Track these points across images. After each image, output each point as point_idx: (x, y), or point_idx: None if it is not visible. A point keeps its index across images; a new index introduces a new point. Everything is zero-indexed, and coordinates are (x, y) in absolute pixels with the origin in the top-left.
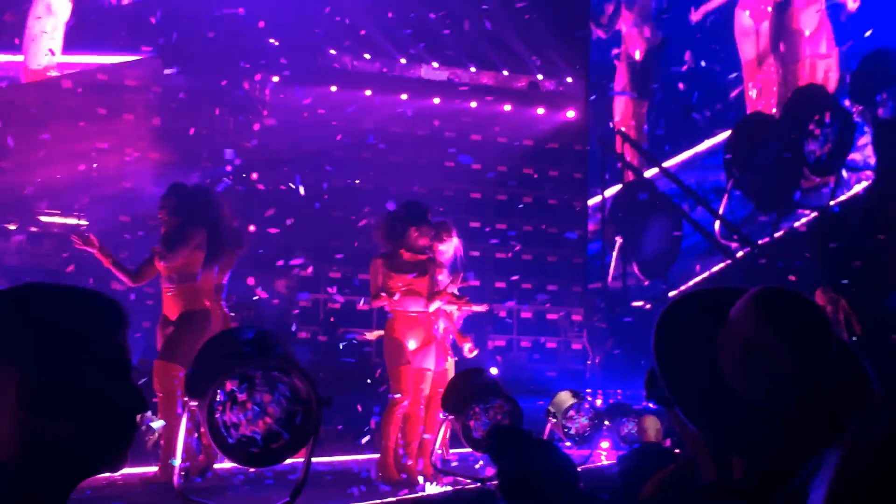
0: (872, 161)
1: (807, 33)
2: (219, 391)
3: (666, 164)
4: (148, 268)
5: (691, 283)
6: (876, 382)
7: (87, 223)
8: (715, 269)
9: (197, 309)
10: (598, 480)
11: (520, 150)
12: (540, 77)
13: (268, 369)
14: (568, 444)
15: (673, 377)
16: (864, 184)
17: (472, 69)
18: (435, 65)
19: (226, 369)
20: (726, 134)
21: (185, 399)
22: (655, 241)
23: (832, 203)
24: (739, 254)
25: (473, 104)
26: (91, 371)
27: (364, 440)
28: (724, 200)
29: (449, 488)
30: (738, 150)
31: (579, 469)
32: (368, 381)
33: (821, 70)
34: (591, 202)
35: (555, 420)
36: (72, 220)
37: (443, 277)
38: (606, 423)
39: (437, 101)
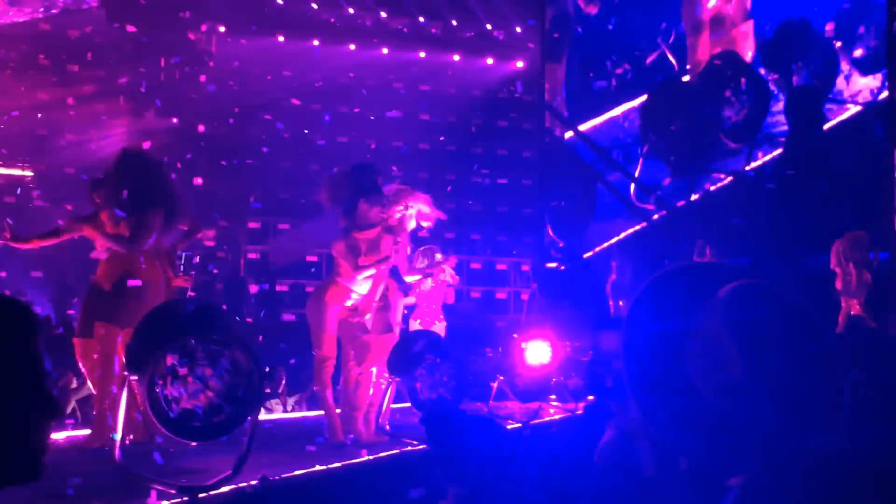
0: (786, 128)
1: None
2: (159, 365)
3: (582, 127)
4: (80, 227)
5: (605, 244)
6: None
7: (31, 174)
8: (630, 231)
9: (131, 274)
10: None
11: (469, 100)
12: (489, 27)
13: (208, 343)
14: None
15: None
16: (779, 150)
17: (421, 18)
18: (383, 14)
19: (166, 343)
20: (643, 98)
21: (125, 373)
22: (571, 203)
23: (747, 168)
24: (655, 216)
25: (422, 54)
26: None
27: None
28: (640, 164)
29: (396, 451)
30: (654, 114)
31: (530, 423)
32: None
33: (737, 38)
34: None
35: (502, 378)
36: (16, 171)
37: (400, 247)
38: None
39: (385, 51)
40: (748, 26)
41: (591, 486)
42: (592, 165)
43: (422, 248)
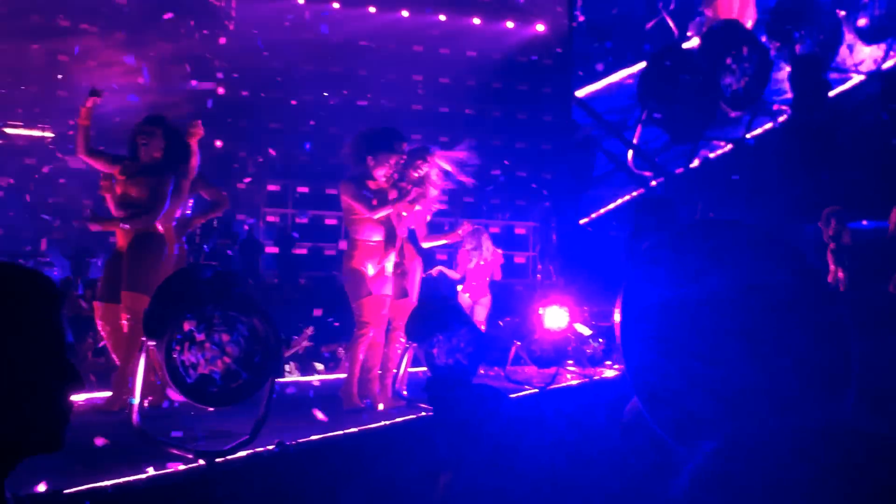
0: (789, 96)
1: None
2: (176, 331)
3: (580, 93)
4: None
5: (602, 210)
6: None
7: (51, 135)
8: (626, 197)
9: (150, 232)
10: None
11: (489, 64)
12: None
13: (226, 309)
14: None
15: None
16: (781, 118)
17: None
18: None
19: (184, 309)
20: (642, 64)
21: (143, 339)
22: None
23: (748, 136)
24: (653, 183)
25: (442, 17)
26: (21, 350)
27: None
28: (638, 130)
29: (412, 416)
30: (653, 81)
31: (547, 388)
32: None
33: (737, 5)
34: None
35: (519, 343)
36: (36, 132)
37: (419, 213)
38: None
39: (405, 13)
40: None
41: (610, 450)
42: (590, 131)
43: (470, 230)
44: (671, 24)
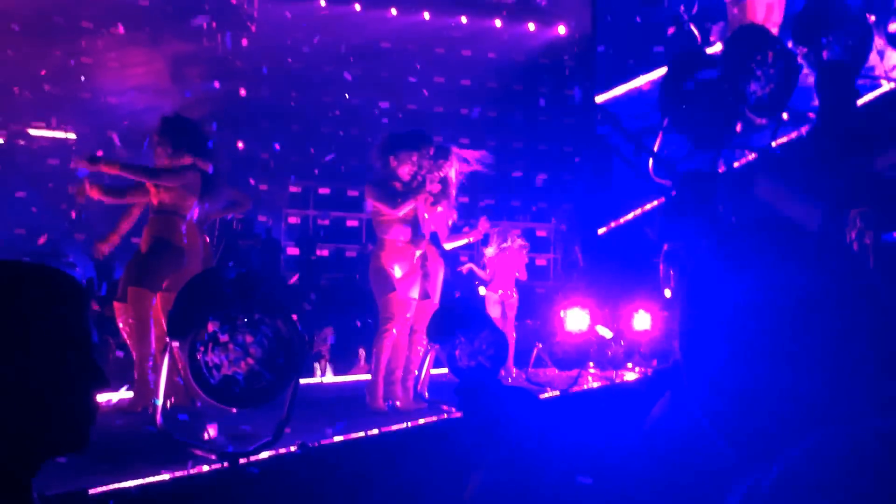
0: (815, 103)
1: None
2: (200, 332)
3: (599, 98)
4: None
5: (622, 220)
6: None
7: (74, 136)
8: (647, 206)
9: (169, 238)
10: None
11: (510, 66)
12: None
13: (250, 311)
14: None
15: None
16: (806, 127)
17: None
18: None
19: (208, 311)
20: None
21: (167, 339)
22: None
23: (774, 144)
24: (674, 192)
25: (463, 19)
26: (47, 351)
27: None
28: (659, 138)
29: (434, 418)
30: (675, 86)
31: (569, 391)
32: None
33: (762, 9)
34: None
35: (541, 345)
36: (59, 134)
37: (441, 208)
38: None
39: (426, 16)
40: None
41: (632, 456)
42: (607, 138)
43: (497, 229)
44: (694, 29)
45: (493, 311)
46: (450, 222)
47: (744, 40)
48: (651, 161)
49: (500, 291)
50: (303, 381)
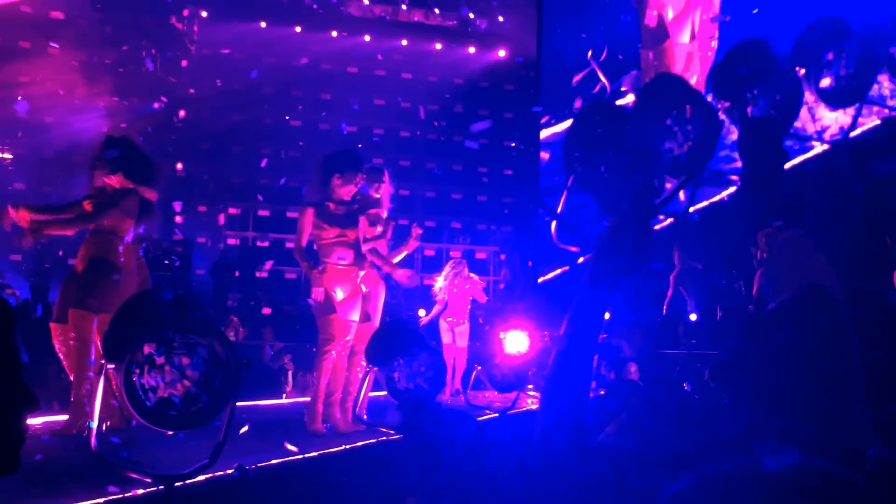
0: (739, 165)
1: (670, 16)
2: (136, 354)
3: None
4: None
5: (550, 275)
6: None
7: (10, 157)
8: (550, 275)
9: (106, 258)
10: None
11: (451, 89)
12: (471, 16)
13: (186, 332)
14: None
15: None
16: (730, 189)
17: (404, 7)
18: (366, 1)
19: (143, 332)
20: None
21: (103, 361)
22: None
23: (691, 210)
24: (580, 260)
25: (404, 42)
26: None
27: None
28: (563, 198)
29: (373, 440)
30: (581, 142)
31: (507, 412)
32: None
33: (681, 57)
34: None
35: (480, 367)
36: None
37: (380, 228)
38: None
39: (367, 38)
40: (693, 45)
41: (570, 476)
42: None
43: (451, 262)
44: (602, 77)
45: (445, 338)
46: (388, 241)
47: (659, 91)
48: (553, 224)
49: (451, 319)
50: (256, 402)
